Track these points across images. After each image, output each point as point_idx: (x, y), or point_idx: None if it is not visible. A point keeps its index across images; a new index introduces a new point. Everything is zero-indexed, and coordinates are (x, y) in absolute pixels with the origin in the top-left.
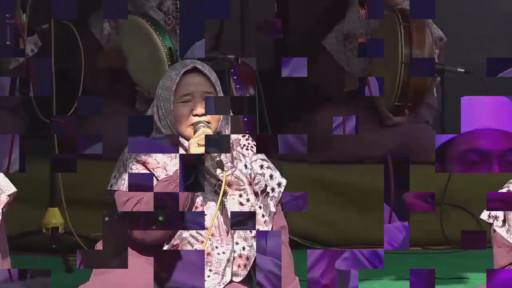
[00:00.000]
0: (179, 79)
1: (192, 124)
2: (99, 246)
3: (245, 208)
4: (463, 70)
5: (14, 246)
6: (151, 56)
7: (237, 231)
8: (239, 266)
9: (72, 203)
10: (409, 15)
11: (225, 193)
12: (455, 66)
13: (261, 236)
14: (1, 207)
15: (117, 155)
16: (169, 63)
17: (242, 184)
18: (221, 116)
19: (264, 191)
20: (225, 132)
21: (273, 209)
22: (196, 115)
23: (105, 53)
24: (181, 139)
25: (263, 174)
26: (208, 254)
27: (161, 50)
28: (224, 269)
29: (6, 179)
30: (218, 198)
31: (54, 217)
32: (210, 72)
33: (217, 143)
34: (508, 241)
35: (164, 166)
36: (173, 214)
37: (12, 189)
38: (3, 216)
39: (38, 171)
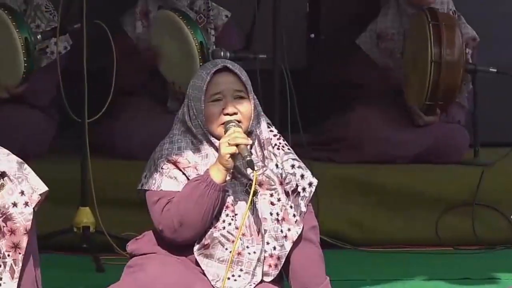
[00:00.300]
0: (210, 79)
1: (223, 123)
2: (130, 245)
3: (276, 208)
4: (495, 70)
5: (45, 245)
6: (182, 51)
7: (268, 230)
8: (270, 266)
9: (103, 203)
10: (438, 14)
11: (255, 193)
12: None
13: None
14: (33, 206)
15: (149, 154)
16: (200, 57)
17: (273, 183)
18: (252, 115)
19: (295, 190)
20: (256, 132)
21: (304, 208)
22: (227, 114)
23: (140, 53)
24: (212, 138)
25: (294, 174)
26: (239, 253)
27: (192, 44)
28: (255, 269)
29: (38, 178)
30: (249, 197)
31: (85, 217)
32: (240, 71)
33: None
34: None
35: (195, 165)
36: (203, 213)
37: (44, 188)
38: (34, 215)
39: (69, 171)
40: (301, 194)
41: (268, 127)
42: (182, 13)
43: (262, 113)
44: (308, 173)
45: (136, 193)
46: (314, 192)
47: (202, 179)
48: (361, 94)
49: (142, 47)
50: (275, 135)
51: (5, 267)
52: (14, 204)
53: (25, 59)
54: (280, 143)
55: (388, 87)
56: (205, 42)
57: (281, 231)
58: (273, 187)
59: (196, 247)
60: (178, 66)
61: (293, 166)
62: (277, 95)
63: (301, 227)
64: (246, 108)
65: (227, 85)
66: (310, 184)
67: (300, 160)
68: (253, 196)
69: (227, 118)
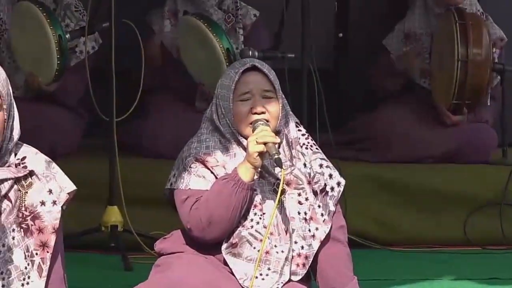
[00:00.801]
0: (238, 78)
1: (251, 123)
2: (158, 244)
3: (304, 207)
4: None
5: (73, 244)
6: (209, 57)
7: (296, 230)
8: (297, 265)
9: (131, 202)
10: (465, 13)
11: (283, 192)
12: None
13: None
14: (61, 205)
15: (177, 153)
16: (227, 64)
17: (301, 183)
18: (280, 114)
19: (323, 190)
20: (284, 131)
21: (332, 208)
22: (255, 113)
23: (166, 48)
24: (240, 137)
25: (322, 173)
26: (267, 253)
27: (219, 51)
28: (283, 268)
29: (66, 177)
30: (276, 196)
31: (113, 215)
32: (268, 71)
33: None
34: None
35: (223, 164)
36: (231, 212)
37: (72, 187)
38: (62, 214)
39: (97, 170)
40: (330, 193)
41: (297, 127)
42: (207, 20)
43: (291, 112)
44: (336, 173)
45: (164, 192)
46: (342, 192)
47: (230, 178)
48: (389, 94)
49: (169, 44)
50: (303, 135)
51: (33, 265)
52: (42, 203)
53: (58, 56)
54: (308, 142)
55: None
56: (231, 48)
57: (309, 230)
58: (301, 186)
59: (224, 246)
60: (206, 71)
61: (321, 165)
62: (305, 94)
63: (329, 226)
64: (274, 107)
65: (256, 84)
66: (339, 184)
67: (328, 160)
68: (281, 195)
69: (256, 117)
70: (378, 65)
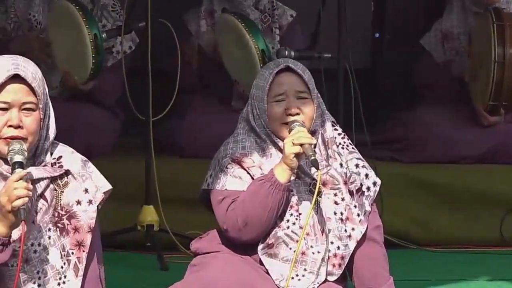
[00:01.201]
0: (272, 79)
1: (286, 123)
2: (194, 244)
3: (340, 207)
4: None
5: (109, 243)
6: (245, 57)
7: (332, 230)
8: (333, 265)
9: (167, 201)
10: (503, 14)
11: (320, 192)
12: None
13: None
14: (97, 204)
15: (213, 153)
16: (261, 66)
17: (337, 183)
18: (315, 114)
19: (359, 190)
20: (320, 131)
21: (368, 208)
22: (290, 114)
23: (205, 51)
24: (275, 138)
25: (358, 173)
26: (303, 253)
27: (254, 52)
28: (319, 269)
29: (102, 176)
30: (313, 197)
31: (149, 215)
32: (303, 71)
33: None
34: None
35: (260, 165)
36: (268, 213)
37: (107, 186)
38: (98, 213)
39: (134, 169)
40: (366, 193)
41: (333, 126)
42: (244, 19)
43: (326, 111)
44: (372, 173)
45: (198, 191)
46: (378, 192)
47: (266, 179)
48: (426, 94)
49: (205, 44)
50: (339, 134)
51: (69, 265)
52: (78, 202)
53: (93, 55)
54: (344, 142)
55: (452, 81)
56: (267, 49)
57: (345, 230)
58: (337, 186)
59: (260, 247)
60: (241, 69)
61: (357, 165)
62: (342, 94)
63: (365, 226)
64: (308, 108)
65: (290, 85)
66: (375, 184)
67: (364, 160)
68: (317, 196)
69: (291, 118)
70: (419, 60)
